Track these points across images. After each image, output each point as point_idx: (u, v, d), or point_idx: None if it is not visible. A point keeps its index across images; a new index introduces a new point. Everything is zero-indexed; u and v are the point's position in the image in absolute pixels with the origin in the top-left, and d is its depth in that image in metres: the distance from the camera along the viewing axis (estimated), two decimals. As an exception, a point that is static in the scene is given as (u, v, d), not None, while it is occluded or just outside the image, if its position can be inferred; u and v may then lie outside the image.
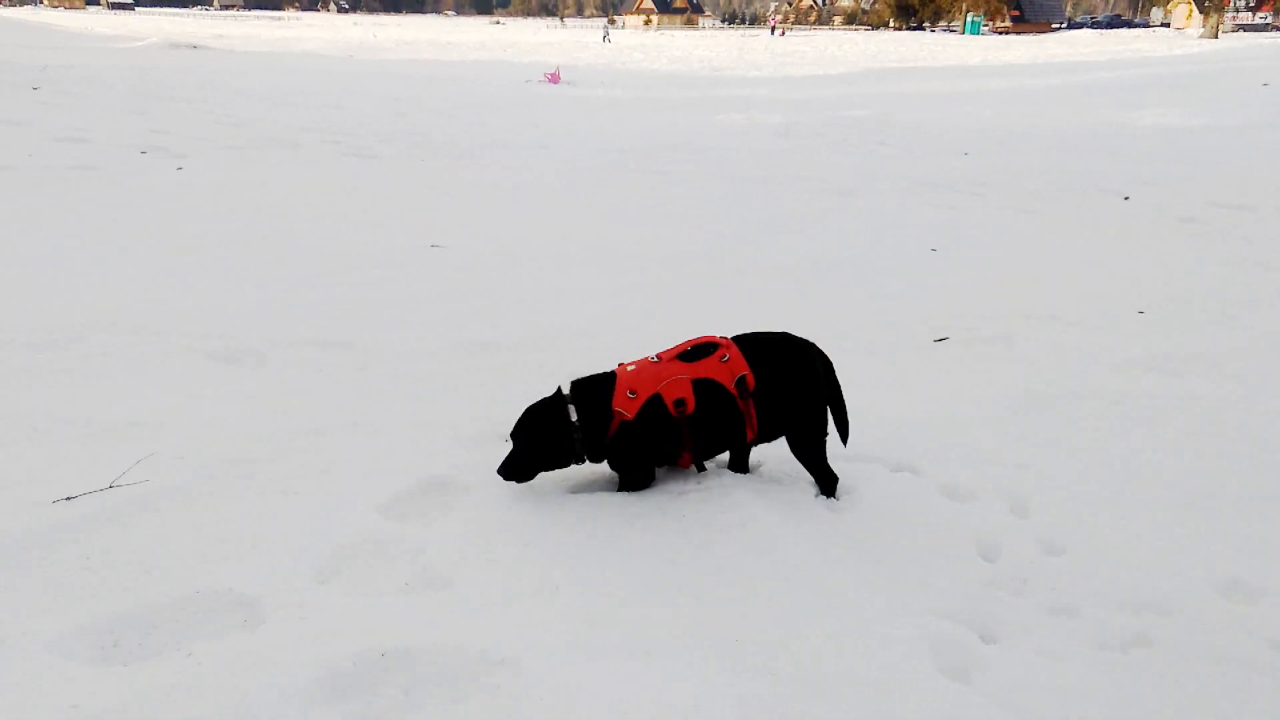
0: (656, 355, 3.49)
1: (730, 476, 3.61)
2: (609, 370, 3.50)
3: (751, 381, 3.39)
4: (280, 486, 3.43)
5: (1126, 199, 9.31)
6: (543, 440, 3.42)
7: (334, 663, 2.51)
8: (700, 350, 3.46)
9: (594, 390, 3.44)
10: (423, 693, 2.46)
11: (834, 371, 3.53)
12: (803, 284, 6.33)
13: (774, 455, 3.76)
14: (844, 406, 3.54)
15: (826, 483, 3.53)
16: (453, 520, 3.34)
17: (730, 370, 3.40)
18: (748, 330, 3.59)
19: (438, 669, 2.53)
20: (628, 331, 5.29)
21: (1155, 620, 2.92)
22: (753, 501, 3.41)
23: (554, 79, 20.92)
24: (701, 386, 3.37)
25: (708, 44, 35.56)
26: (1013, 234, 7.97)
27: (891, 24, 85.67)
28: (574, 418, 3.41)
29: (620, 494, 3.50)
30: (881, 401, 4.38)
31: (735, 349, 3.44)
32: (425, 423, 4.04)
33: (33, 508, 3.14)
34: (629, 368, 3.45)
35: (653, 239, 7.38)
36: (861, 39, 38.61)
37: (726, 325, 5.45)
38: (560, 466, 3.50)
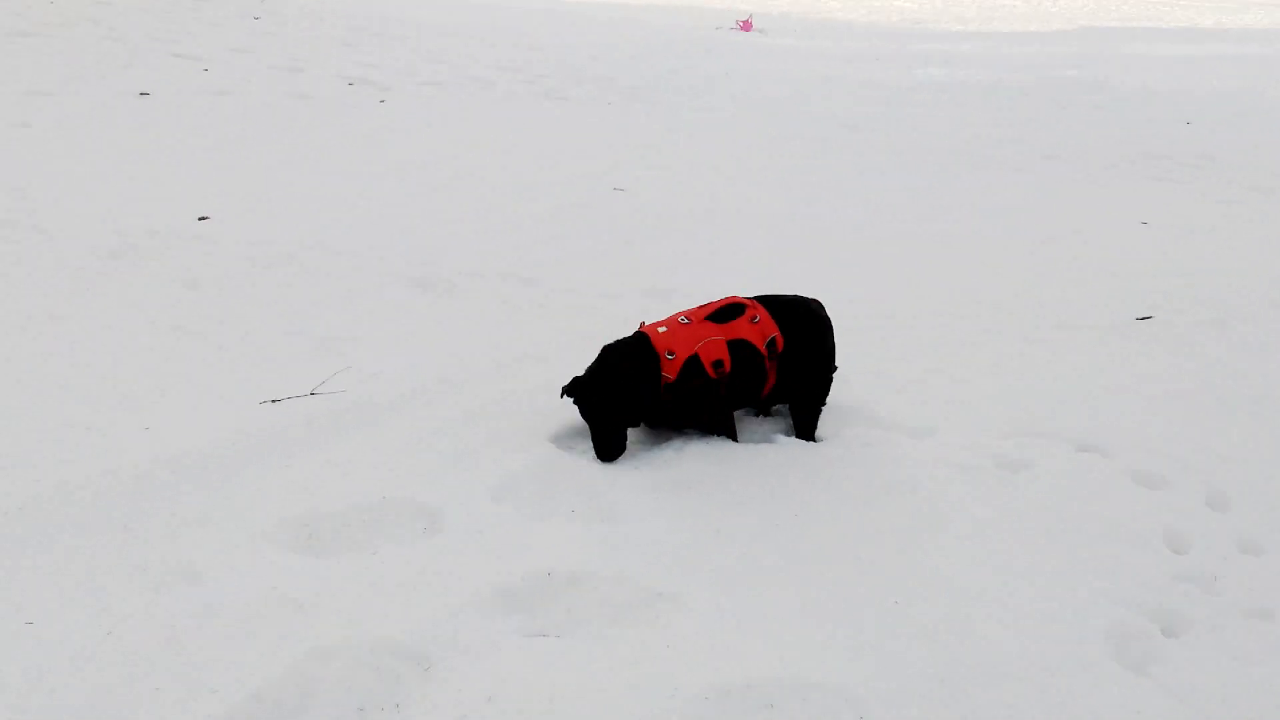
0: (685, 316, 3.48)
1: (897, 433, 3.57)
2: (636, 332, 3.46)
3: (781, 343, 3.47)
4: (464, 410, 3.58)
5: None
6: (630, 392, 3.33)
7: (504, 577, 2.63)
8: (729, 311, 3.46)
9: (635, 351, 3.38)
10: (585, 614, 2.54)
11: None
12: (998, 256, 6.07)
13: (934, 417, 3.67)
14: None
15: (809, 436, 3.60)
16: (621, 458, 3.40)
17: (761, 332, 3.45)
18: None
19: (600, 594, 2.62)
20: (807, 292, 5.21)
21: (1360, 633, 2.72)
22: (919, 464, 3.34)
23: (746, 27, 20.60)
24: (736, 347, 3.41)
25: (910, -5, 34.29)
26: (1239, 211, 7.41)
27: (1113, -18, 79.78)
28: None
29: (787, 446, 3.49)
30: (1072, 376, 4.19)
31: (764, 311, 3.48)
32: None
33: (245, 408, 3.39)
34: (660, 329, 3.42)
35: (834, 201, 7.22)
36: (1080, -5, 36.43)
37: (901, 298, 5.33)
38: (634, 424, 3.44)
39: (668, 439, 3.50)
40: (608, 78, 12.07)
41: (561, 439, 3.47)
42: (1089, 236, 6.42)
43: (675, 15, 22.17)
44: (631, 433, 3.53)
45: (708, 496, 3.23)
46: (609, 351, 3.40)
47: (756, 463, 3.37)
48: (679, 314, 3.52)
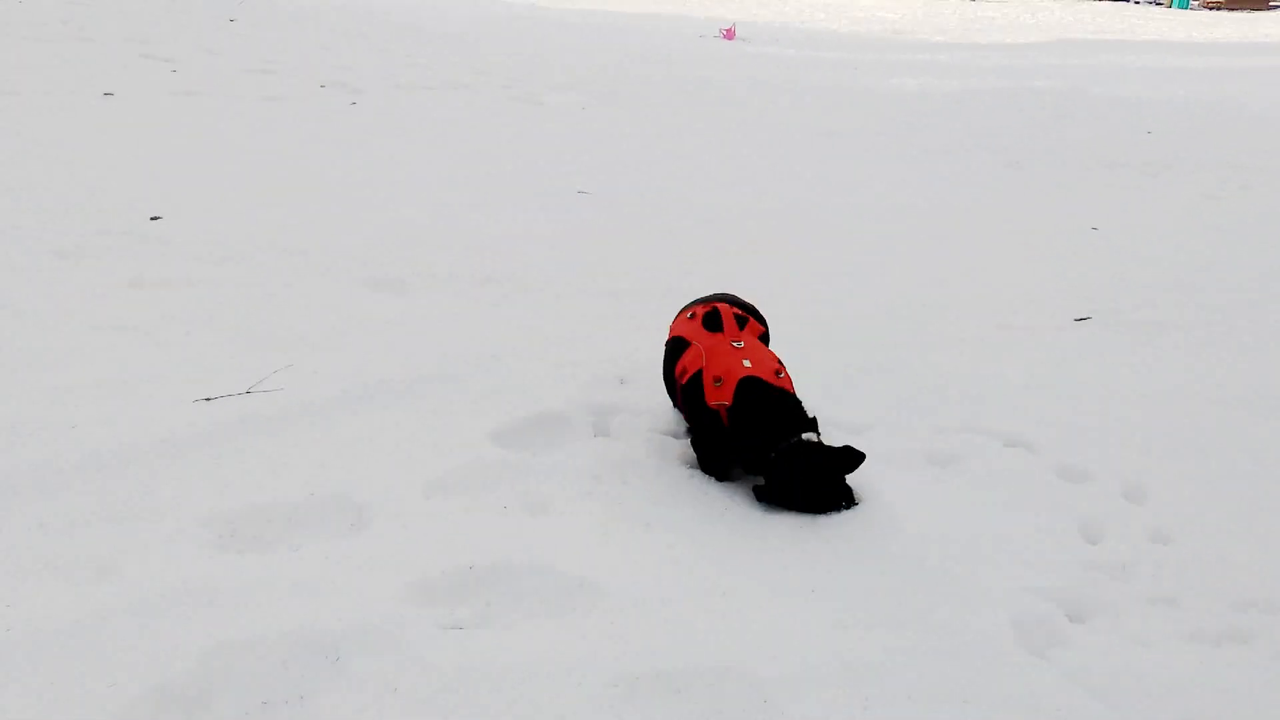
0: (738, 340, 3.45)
1: (832, 429, 3.63)
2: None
3: None
4: (404, 407, 3.62)
5: (1322, 187, 8.65)
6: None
7: (425, 571, 2.66)
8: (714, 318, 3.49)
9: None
10: (503, 606, 2.58)
11: None
12: (945, 260, 6.16)
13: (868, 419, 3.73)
14: None
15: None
16: (560, 453, 3.45)
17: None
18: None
19: (521, 586, 2.65)
20: (767, 295, 5.26)
21: (1258, 618, 2.79)
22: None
23: (729, 35, 20.72)
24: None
25: (893, 4, 34.48)
26: (1188, 219, 7.52)
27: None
28: None
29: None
30: (1008, 376, 4.26)
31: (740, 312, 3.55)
32: (551, 359, 4.15)
33: (177, 406, 3.41)
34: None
35: (801, 205, 7.29)
36: (1059, 8, 36.69)
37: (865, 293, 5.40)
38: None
39: (614, 432, 3.56)
40: (584, 83, 12.14)
41: (502, 437, 3.51)
42: (1038, 241, 6.51)
43: (659, 22, 22.30)
44: (582, 417, 3.61)
45: (642, 490, 3.29)
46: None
47: (691, 456, 3.42)
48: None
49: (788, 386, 3.31)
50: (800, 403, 3.26)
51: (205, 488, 2.97)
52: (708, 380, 3.29)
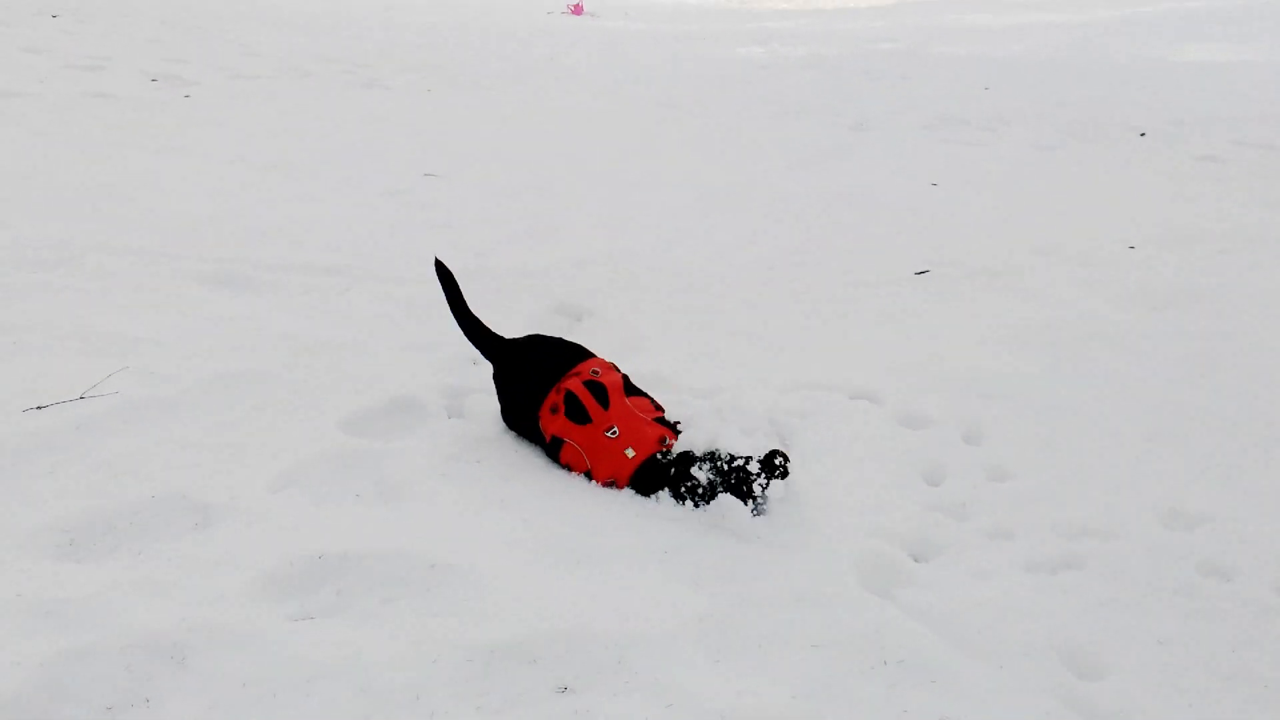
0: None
1: (684, 394, 3.72)
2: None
3: None
4: (249, 402, 3.53)
5: (1143, 135, 9.15)
6: None
7: (272, 565, 2.61)
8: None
9: None
10: (354, 593, 2.56)
11: None
12: (799, 218, 6.30)
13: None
14: None
15: None
16: (413, 439, 3.42)
17: None
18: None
19: (373, 572, 2.63)
20: (619, 264, 5.31)
21: (1090, 545, 2.97)
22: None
23: (578, 10, 20.66)
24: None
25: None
26: (1022, 170, 7.88)
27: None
28: None
29: None
30: (852, 332, 4.40)
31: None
32: (401, 345, 4.12)
33: (6, 417, 3.25)
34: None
35: (644, 176, 7.35)
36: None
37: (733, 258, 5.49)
38: None
39: (467, 413, 3.55)
40: (432, 65, 11.94)
41: (354, 424, 3.46)
42: (881, 199, 6.72)
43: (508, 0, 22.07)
44: (435, 401, 3.61)
45: (497, 468, 3.30)
46: None
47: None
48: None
49: (671, 439, 3.14)
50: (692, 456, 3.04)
51: (42, 498, 2.85)
52: (601, 482, 3.14)
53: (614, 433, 3.12)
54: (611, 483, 3.12)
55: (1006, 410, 3.76)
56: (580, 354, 3.44)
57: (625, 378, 3.36)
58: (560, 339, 3.59)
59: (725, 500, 2.94)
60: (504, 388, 3.49)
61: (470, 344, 3.66)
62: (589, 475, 3.18)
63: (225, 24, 13.65)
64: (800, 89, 11.39)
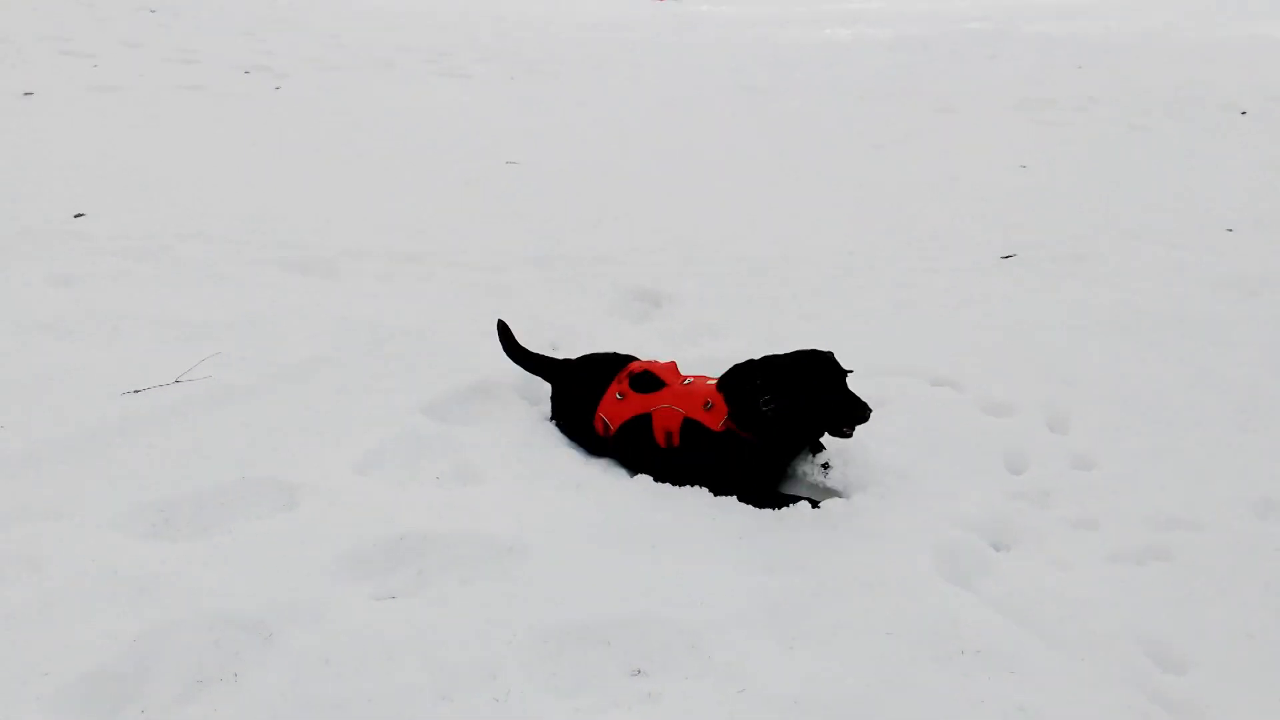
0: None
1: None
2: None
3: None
4: (334, 387, 3.62)
5: (1243, 113, 8.80)
6: None
7: (357, 545, 2.68)
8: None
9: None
10: (434, 573, 2.61)
11: None
12: (879, 203, 6.22)
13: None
14: None
15: None
16: (491, 423, 3.49)
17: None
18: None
19: (452, 553, 2.68)
20: (695, 250, 5.30)
21: (1178, 536, 2.89)
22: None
23: (661, -4, 20.60)
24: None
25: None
26: (1113, 151, 7.64)
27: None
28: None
29: None
30: (933, 317, 4.33)
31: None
32: (480, 331, 4.16)
33: (106, 400, 3.39)
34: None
35: (727, 163, 7.32)
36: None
37: (821, 242, 5.45)
38: None
39: (545, 398, 3.59)
40: (513, 53, 12.04)
41: (434, 409, 3.53)
42: (966, 182, 6.59)
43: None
44: (514, 385, 3.65)
45: (572, 452, 3.34)
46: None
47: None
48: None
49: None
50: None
51: (137, 478, 2.96)
52: (700, 414, 3.11)
53: (689, 381, 3.25)
54: (709, 404, 3.11)
55: (1092, 397, 3.66)
56: (631, 358, 3.51)
57: None
58: (612, 352, 3.62)
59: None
60: (559, 398, 3.53)
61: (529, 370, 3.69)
62: (688, 421, 3.12)
63: (312, 16, 13.94)
64: (885, 71, 11.20)
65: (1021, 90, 9.87)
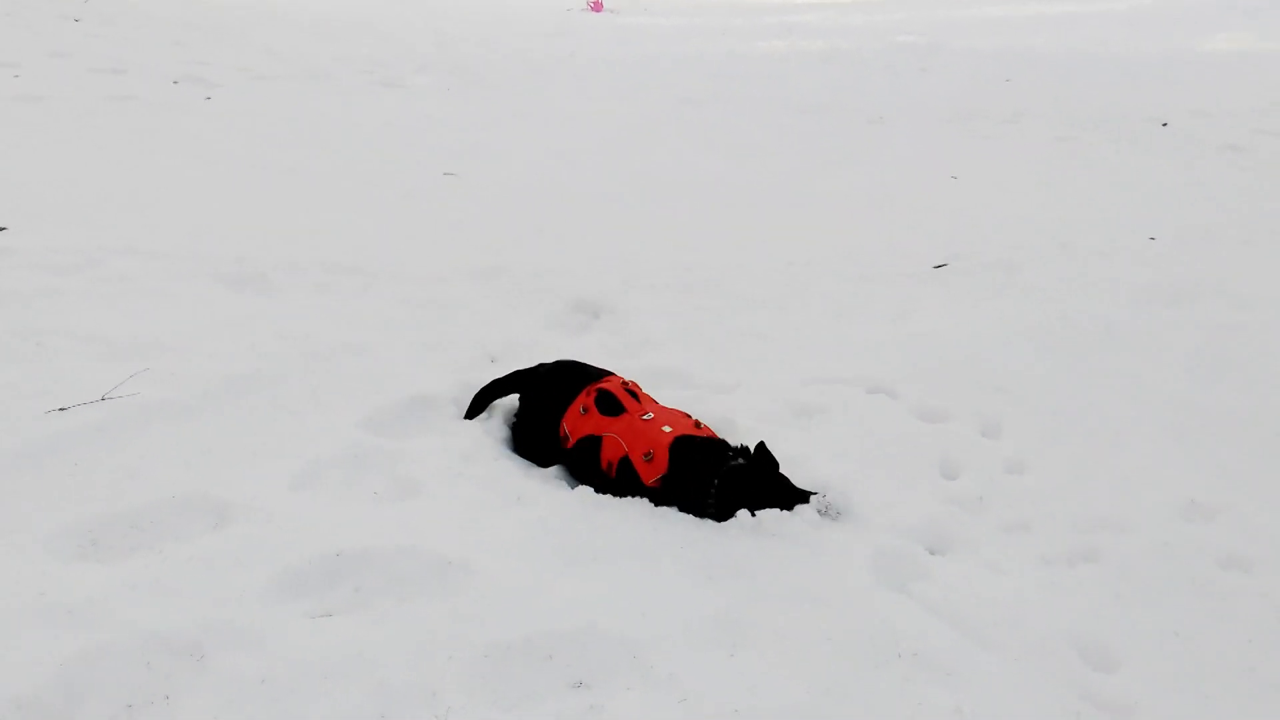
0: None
1: (705, 390, 3.73)
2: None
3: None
4: (268, 402, 3.56)
5: (1165, 125, 9.08)
6: None
7: (292, 563, 2.64)
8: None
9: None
10: (372, 591, 2.58)
11: None
12: (815, 215, 6.30)
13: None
14: None
15: None
16: (431, 436, 3.45)
17: None
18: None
19: (391, 570, 2.65)
20: (634, 263, 5.32)
21: (1107, 538, 2.96)
22: (720, 416, 3.48)
23: (597, 7, 20.65)
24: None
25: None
26: (1042, 163, 7.83)
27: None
28: None
29: None
30: (869, 327, 4.39)
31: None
32: (419, 344, 4.13)
33: (30, 419, 3.29)
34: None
35: (662, 174, 7.36)
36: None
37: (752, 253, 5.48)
38: None
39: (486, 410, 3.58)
40: (449, 63, 11.99)
41: (372, 424, 3.48)
42: (899, 193, 6.71)
43: (527, -2, 22.08)
44: (454, 399, 3.62)
45: (514, 466, 3.32)
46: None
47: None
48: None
49: (711, 434, 3.22)
50: (728, 445, 3.12)
51: (63, 498, 2.88)
52: (638, 460, 3.10)
53: (649, 416, 3.20)
54: (649, 455, 3.09)
55: (1024, 404, 3.75)
56: (605, 372, 3.49)
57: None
58: (587, 364, 3.60)
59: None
60: (527, 405, 3.51)
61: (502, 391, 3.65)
62: (626, 461, 3.13)
63: (246, 25, 13.74)
64: (819, 84, 11.36)
65: (952, 103, 10.06)
